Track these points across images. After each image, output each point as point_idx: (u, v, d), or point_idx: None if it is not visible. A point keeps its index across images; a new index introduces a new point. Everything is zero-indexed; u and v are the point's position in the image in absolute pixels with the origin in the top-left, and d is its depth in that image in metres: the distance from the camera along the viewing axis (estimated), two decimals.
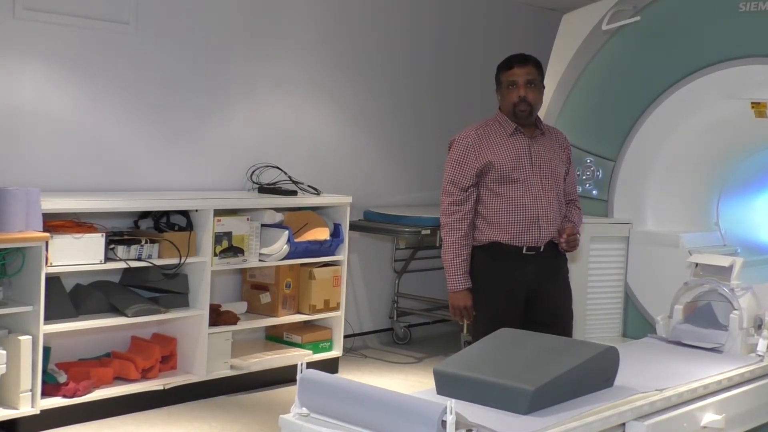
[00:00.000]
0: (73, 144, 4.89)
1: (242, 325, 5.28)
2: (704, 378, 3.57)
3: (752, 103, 4.22)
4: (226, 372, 5.11)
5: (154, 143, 5.23)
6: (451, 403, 2.48)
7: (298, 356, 5.47)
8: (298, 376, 2.79)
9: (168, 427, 4.58)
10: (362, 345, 6.43)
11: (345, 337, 5.84)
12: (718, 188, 4.70)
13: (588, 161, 4.71)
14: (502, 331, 3.45)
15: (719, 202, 4.71)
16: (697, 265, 4.19)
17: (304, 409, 2.77)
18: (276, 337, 5.74)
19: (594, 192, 4.70)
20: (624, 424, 3.14)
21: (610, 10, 4.80)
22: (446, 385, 3.06)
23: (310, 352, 5.59)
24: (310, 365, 5.76)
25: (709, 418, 3.47)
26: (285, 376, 5.37)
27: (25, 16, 4.65)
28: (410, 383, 5.46)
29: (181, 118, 5.36)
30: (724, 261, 4.12)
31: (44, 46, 4.75)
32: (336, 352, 5.71)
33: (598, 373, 3.25)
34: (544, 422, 2.84)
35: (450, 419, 2.45)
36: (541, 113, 5.05)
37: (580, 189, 4.72)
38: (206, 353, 4.98)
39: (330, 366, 5.66)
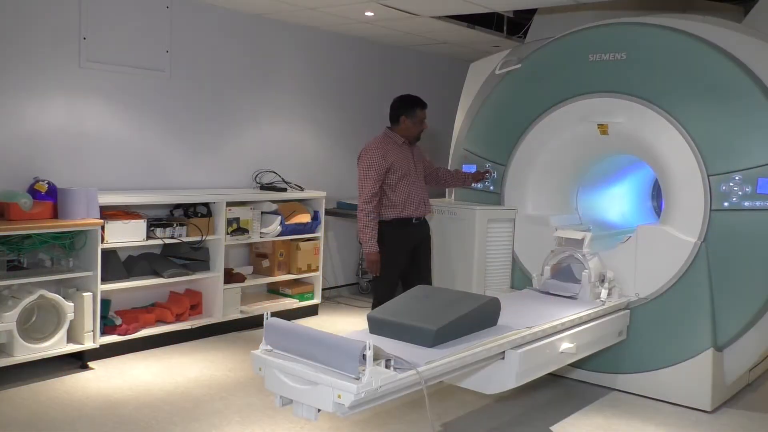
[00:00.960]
0: (124, 157, 4.82)
1: (249, 282, 5.24)
2: (563, 318, 3.59)
3: (598, 125, 4.18)
4: (237, 315, 5.08)
5: (183, 155, 5.16)
6: (369, 341, 2.46)
7: (289, 303, 5.45)
8: (265, 322, 2.75)
9: (194, 355, 4.54)
10: (336, 294, 6.39)
11: (323, 289, 5.81)
12: (577, 184, 4.65)
13: (487, 166, 4.65)
14: (418, 288, 3.42)
15: (578, 193, 4.67)
16: (560, 237, 4.19)
17: (268, 346, 2.74)
18: (274, 290, 5.69)
19: (491, 188, 4.64)
20: (504, 352, 3.16)
21: (501, 60, 4.74)
22: (376, 327, 3.05)
23: (298, 300, 5.54)
24: (298, 311, 5.78)
25: (565, 346, 3.49)
26: (279, 318, 5.30)
27: (87, 66, 4.56)
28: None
29: (204, 137, 5.28)
30: (578, 235, 4.12)
31: (103, 88, 4.66)
32: (317, 300, 5.67)
33: (485, 316, 3.25)
34: (443, 353, 2.85)
35: (368, 354, 2.43)
36: (453, 134, 5.05)
37: (480, 186, 4.70)
38: (222, 302, 4.93)
39: (312, 310, 5.63)
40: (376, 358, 2.50)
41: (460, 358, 2.87)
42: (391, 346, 2.78)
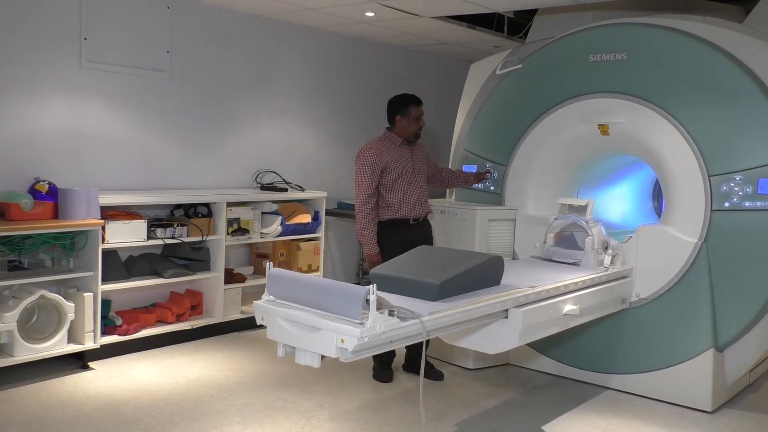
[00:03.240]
0: (124, 157, 4.81)
1: (249, 282, 5.23)
2: (566, 280, 3.56)
3: (598, 125, 4.17)
4: (237, 316, 5.07)
5: (184, 155, 5.15)
6: (373, 286, 2.42)
7: None
8: (267, 273, 2.73)
9: (195, 355, 4.53)
10: None
11: None
12: (578, 184, 4.65)
13: (488, 166, 4.65)
14: (420, 247, 3.44)
15: (578, 193, 4.66)
16: (563, 205, 4.20)
17: (271, 297, 2.72)
18: None
19: (492, 188, 4.63)
20: (507, 310, 3.11)
21: (502, 60, 4.74)
22: (379, 283, 2.95)
23: None
24: None
25: (568, 308, 3.45)
26: None
27: (88, 66, 4.56)
28: None
29: (204, 137, 5.28)
30: (582, 202, 4.13)
31: (103, 88, 4.66)
32: None
33: (488, 274, 3.20)
34: (446, 306, 2.82)
35: (372, 298, 2.40)
36: (454, 134, 5.04)
37: (481, 186, 4.70)
38: (223, 303, 4.93)
39: None
40: (379, 307, 2.47)
41: (464, 311, 2.84)
42: (394, 300, 2.74)
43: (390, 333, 2.48)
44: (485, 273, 3.16)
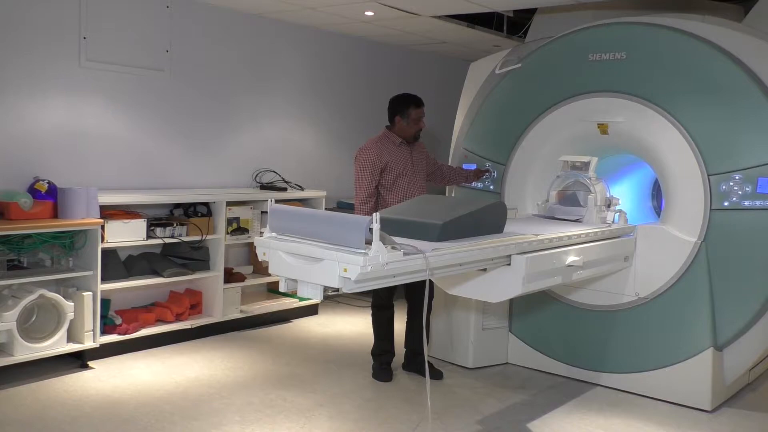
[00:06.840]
0: (124, 156, 4.81)
1: (248, 281, 5.23)
2: (570, 231, 3.55)
3: (598, 124, 4.18)
4: (237, 315, 5.06)
5: (183, 154, 5.15)
6: (376, 215, 2.40)
7: (289, 303, 5.44)
8: (269, 209, 2.70)
9: (194, 355, 4.53)
10: (336, 294, 6.37)
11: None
12: None
13: (487, 165, 4.65)
14: (422, 195, 3.46)
15: None
16: (566, 162, 4.17)
17: (273, 233, 2.70)
18: (273, 290, 5.67)
19: (491, 187, 4.64)
20: (510, 256, 3.07)
21: (502, 59, 4.74)
22: (385, 226, 2.95)
23: (298, 300, 5.52)
24: (298, 310, 5.75)
25: (572, 258, 3.42)
26: (279, 317, 5.33)
27: (88, 65, 4.56)
28: (368, 322, 5.42)
29: (204, 136, 5.28)
30: (584, 158, 4.12)
31: (102, 87, 4.66)
32: (316, 300, 5.60)
33: (491, 220, 3.19)
34: (449, 245, 2.79)
35: (375, 227, 2.38)
36: (453, 134, 5.04)
37: (480, 185, 4.70)
38: (222, 302, 4.93)
39: (312, 310, 5.63)
40: (384, 242, 2.44)
41: (467, 252, 2.81)
42: (398, 241, 2.70)
43: (393, 265, 2.45)
44: (488, 218, 3.13)
